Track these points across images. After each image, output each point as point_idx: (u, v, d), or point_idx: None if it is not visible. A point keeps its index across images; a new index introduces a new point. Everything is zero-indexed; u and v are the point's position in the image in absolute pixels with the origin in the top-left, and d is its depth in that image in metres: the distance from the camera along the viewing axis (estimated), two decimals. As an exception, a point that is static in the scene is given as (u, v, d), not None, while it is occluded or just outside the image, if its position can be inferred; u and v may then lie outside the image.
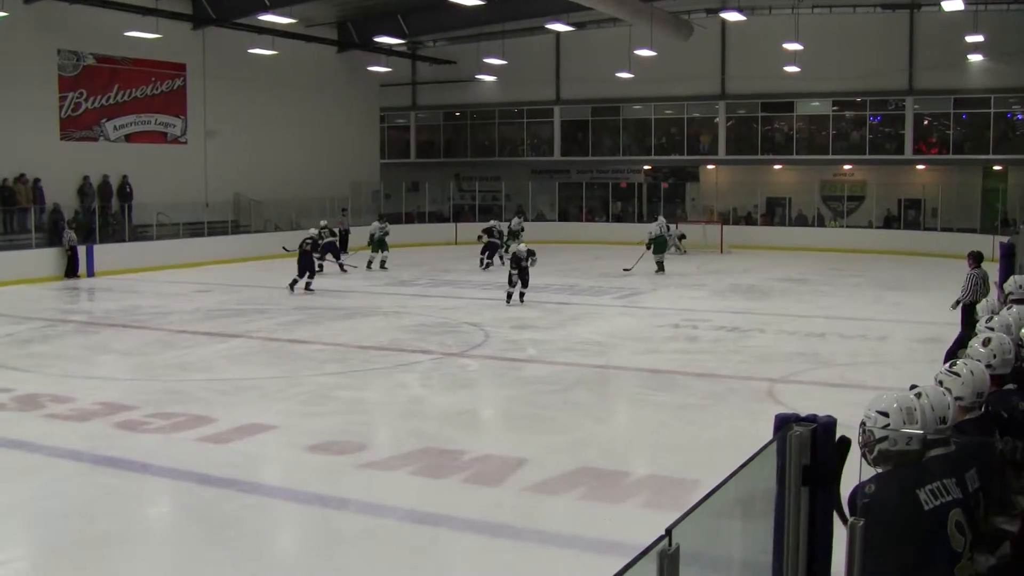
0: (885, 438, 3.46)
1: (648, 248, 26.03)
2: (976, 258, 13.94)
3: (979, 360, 4.63)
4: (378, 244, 27.25)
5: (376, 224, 28.00)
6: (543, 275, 25.06)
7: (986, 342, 4.93)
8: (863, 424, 3.53)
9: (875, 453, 3.50)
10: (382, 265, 27.07)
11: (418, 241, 35.36)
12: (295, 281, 21.84)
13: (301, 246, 22.14)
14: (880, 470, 3.51)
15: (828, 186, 37.55)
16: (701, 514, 2.66)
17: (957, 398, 4.00)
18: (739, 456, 3.12)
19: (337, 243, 26.35)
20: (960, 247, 29.62)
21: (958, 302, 13.67)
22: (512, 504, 8.04)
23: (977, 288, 13.45)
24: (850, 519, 3.29)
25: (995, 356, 4.82)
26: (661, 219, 29.03)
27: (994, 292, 11.51)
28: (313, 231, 23.59)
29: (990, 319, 6.04)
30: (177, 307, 19.65)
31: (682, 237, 32.31)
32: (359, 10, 34.69)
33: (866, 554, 3.24)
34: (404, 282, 24.07)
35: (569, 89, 40.27)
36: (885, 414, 3.49)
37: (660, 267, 25.69)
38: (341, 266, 25.77)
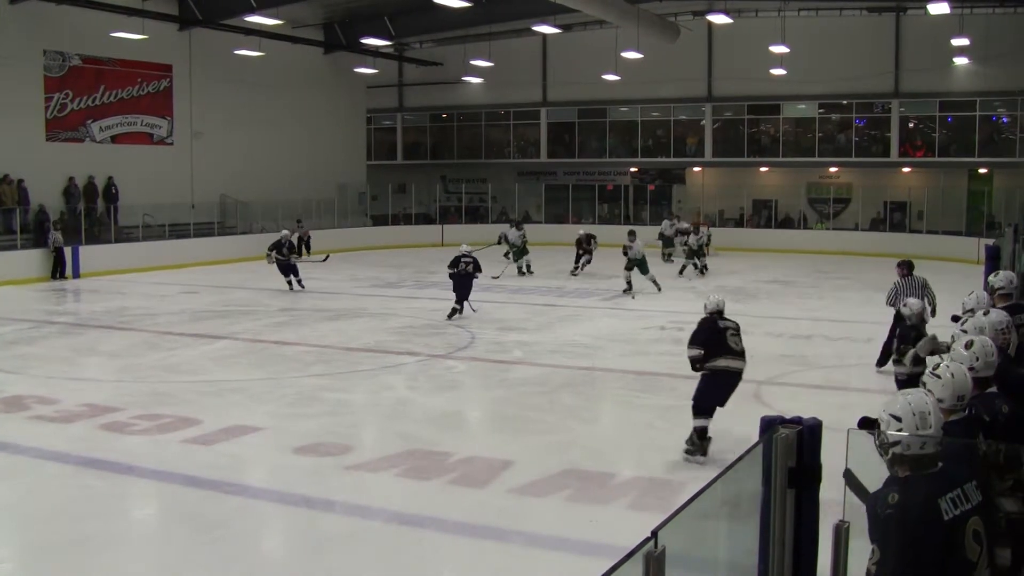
0: (898, 442, 3.47)
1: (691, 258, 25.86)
2: (905, 267, 13.40)
3: (961, 363, 4.65)
4: (520, 252, 26.09)
5: (514, 232, 26.55)
6: (529, 277, 25.08)
7: (968, 345, 4.95)
8: (877, 426, 3.54)
9: (889, 455, 3.50)
10: (528, 268, 26.03)
11: (404, 243, 35.36)
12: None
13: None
14: (895, 472, 3.50)
15: (814, 188, 37.67)
16: (687, 516, 2.67)
17: (938, 400, 4.03)
18: (725, 458, 3.13)
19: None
20: (946, 250, 29.96)
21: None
22: (498, 506, 8.03)
23: (897, 298, 12.63)
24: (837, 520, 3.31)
25: (978, 359, 4.85)
26: (703, 230, 27.60)
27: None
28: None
29: (964, 321, 6.08)
30: (163, 309, 19.60)
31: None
32: (346, 11, 34.65)
33: (881, 560, 3.25)
34: (390, 284, 24.05)
35: (555, 91, 40.31)
36: (898, 418, 3.51)
37: (702, 270, 25.73)
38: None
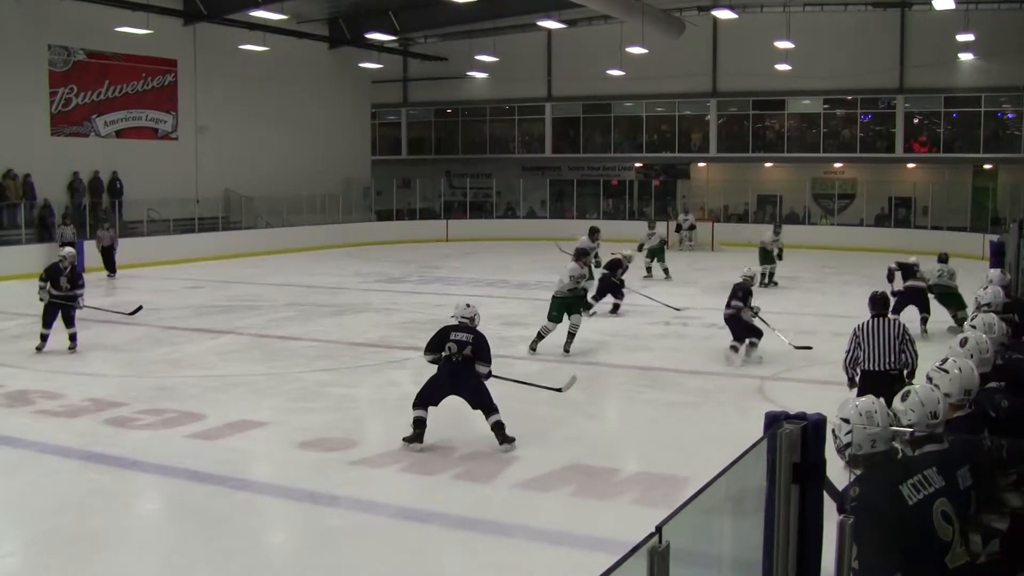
0: (850, 443, 3.57)
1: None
2: (874, 305, 9.06)
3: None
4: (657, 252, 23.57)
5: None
6: (533, 272, 25.07)
7: (963, 342, 4.99)
8: (833, 432, 3.63)
9: (847, 458, 3.62)
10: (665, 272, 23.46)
11: (409, 238, 35.35)
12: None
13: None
14: (858, 472, 3.60)
15: (819, 184, 37.59)
16: (691, 511, 2.66)
17: (946, 395, 4.05)
18: (730, 453, 3.12)
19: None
20: (951, 245, 29.71)
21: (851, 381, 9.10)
22: (503, 501, 8.04)
23: (860, 346, 8.88)
24: (840, 516, 3.33)
25: (972, 356, 4.87)
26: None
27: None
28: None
29: (973, 317, 6.09)
30: (167, 303, 19.59)
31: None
32: (350, 6, 34.66)
33: (860, 554, 3.29)
34: (395, 279, 24.05)
35: (560, 86, 40.27)
36: (847, 420, 3.62)
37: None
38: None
